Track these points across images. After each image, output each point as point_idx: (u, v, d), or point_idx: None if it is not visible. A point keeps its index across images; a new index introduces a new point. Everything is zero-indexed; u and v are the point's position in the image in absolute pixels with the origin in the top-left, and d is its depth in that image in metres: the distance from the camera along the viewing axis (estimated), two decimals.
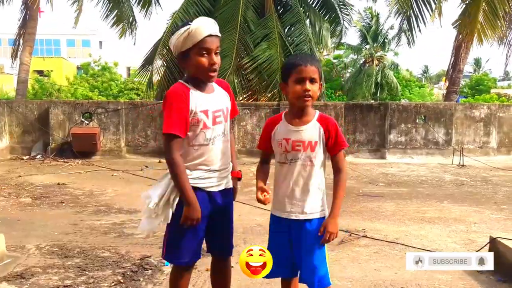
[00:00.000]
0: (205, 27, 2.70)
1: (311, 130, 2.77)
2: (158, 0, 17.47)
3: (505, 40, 17.90)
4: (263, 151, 2.99)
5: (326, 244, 2.82)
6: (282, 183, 2.86)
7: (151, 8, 17.37)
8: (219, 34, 2.79)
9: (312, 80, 2.70)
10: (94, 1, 16.69)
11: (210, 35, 2.71)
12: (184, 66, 2.83)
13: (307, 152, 2.76)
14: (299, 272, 2.88)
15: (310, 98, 2.72)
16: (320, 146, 2.77)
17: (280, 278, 2.99)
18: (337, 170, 2.82)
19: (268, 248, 2.87)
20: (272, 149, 2.91)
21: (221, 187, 2.92)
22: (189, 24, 2.68)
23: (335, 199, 2.79)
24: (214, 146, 2.82)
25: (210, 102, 2.82)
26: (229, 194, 3.02)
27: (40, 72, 38.48)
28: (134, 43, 18.02)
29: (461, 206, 7.36)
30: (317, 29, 17.23)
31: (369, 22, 44.80)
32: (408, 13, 16.40)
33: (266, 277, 2.80)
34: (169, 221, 2.80)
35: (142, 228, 2.87)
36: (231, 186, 3.03)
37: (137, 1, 17.23)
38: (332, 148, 2.78)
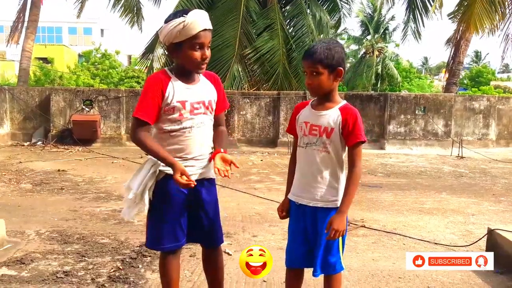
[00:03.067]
0: (200, 21, 2.70)
1: (329, 116, 2.76)
2: None
3: (500, 31, 17.91)
4: (294, 136, 2.99)
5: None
6: (299, 168, 2.88)
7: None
8: (211, 27, 2.79)
9: (313, 73, 2.72)
10: None
11: (204, 30, 2.72)
12: (174, 56, 2.83)
13: (322, 138, 2.75)
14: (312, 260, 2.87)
15: (311, 90, 2.80)
16: (337, 135, 2.74)
17: (281, 266, 2.99)
18: (350, 164, 2.78)
19: (288, 235, 2.94)
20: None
21: (198, 177, 2.90)
22: (184, 16, 2.67)
23: (344, 195, 2.76)
24: (190, 134, 2.83)
25: (190, 93, 2.83)
26: (209, 185, 3.00)
27: (44, 60, 38.47)
28: (141, 31, 17.99)
29: (459, 198, 7.38)
30: (317, 19, 17.21)
31: (370, 13, 44.70)
32: (413, 6, 16.58)
33: (288, 266, 2.90)
34: (146, 209, 2.83)
35: (123, 214, 2.91)
36: (211, 177, 3.01)
37: None
38: (347, 138, 2.74)
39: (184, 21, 2.66)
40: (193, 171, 2.86)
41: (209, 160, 2.92)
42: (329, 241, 2.77)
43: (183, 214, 2.90)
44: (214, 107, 2.97)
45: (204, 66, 2.82)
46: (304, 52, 2.84)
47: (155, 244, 2.95)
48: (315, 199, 2.78)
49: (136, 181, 2.82)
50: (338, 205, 2.78)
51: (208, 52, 2.79)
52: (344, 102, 2.81)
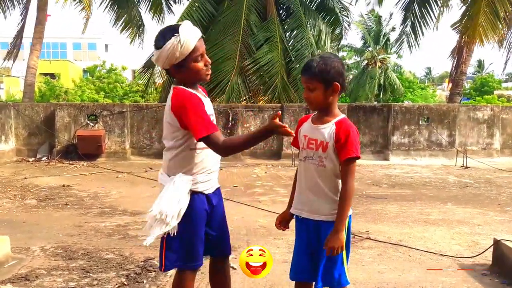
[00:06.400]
0: (193, 34, 2.71)
1: (325, 130, 2.76)
2: (170, 8, 17.96)
3: (505, 42, 17.92)
4: (298, 149, 2.99)
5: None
6: (299, 181, 2.91)
7: (163, 16, 17.87)
8: (201, 33, 2.82)
9: (310, 88, 2.75)
10: (102, 6, 17.05)
11: (198, 39, 2.74)
12: (179, 76, 2.80)
13: (318, 152, 2.76)
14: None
15: (309, 104, 2.84)
16: (332, 149, 2.73)
17: (286, 280, 2.99)
18: (342, 182, 2.75)
19: (294, 248, 2.94)
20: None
21: (215, 188, 2.94)
22: (175, 36, 2.65)
23: (338, 214, 2.73)
24: (209, 149, 2.79)
25: (209, 105, 2.86)
26: (219, 194, 3.02)
27: (51, 75, 38.70)
28: (142, 48, 18.20)
29: (465, 208, 7.35)
30: (316, 32, 17.31)
31: (371, 24, 44.86)
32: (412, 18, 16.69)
33: (292, 279, 2.91)
34: (172, 229, 2.72)
35: (147, 241, 2.74)
36: (218, 186, 3.02)
37: (148, 8, 17.64)
38: (340, 152, 2.71)
39: (180, 39, 2.64)
40: (211, 184, 2.90)
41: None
42: (331, 254, 2.75)
43: (203, 230, 2.88)
44: None
45: (210, 71, 2.85)
46: (303, 66, 2.86)
47: (189, 262, 2.85)
48: (316, 212, 2.79)
49: (171, 202, 2.69)
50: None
51: (207, 58, 2.82)
52: (342, 116, 2.81)
